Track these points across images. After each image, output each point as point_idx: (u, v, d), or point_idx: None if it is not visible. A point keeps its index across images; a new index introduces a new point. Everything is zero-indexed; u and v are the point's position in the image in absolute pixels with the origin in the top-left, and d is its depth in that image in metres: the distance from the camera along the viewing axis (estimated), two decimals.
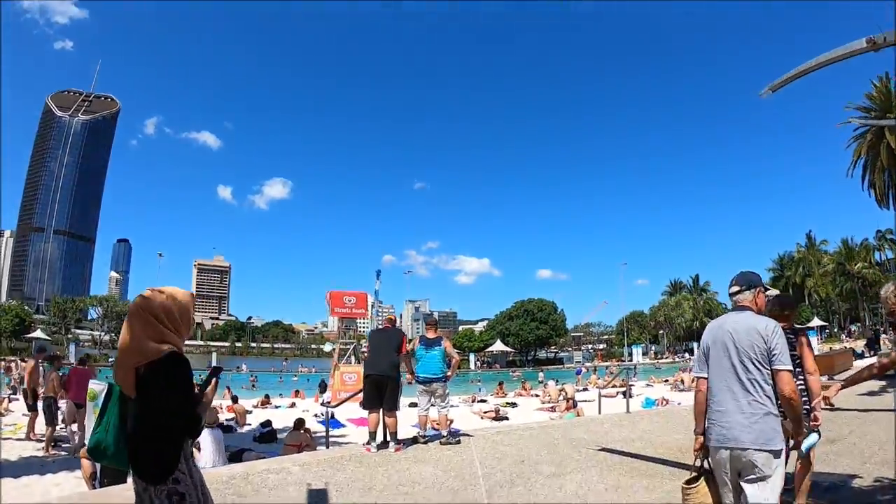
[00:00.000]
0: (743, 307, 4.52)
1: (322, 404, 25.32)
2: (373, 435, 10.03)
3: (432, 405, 10.81)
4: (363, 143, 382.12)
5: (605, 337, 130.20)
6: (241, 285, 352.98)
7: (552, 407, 25.37)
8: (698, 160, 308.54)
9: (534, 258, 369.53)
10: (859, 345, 61.15)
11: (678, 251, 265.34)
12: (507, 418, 23.37)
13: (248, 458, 12.70)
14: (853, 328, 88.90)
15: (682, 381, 31.53)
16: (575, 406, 23.66)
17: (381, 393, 10.13)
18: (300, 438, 14.07)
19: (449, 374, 10.93)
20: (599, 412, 17.81)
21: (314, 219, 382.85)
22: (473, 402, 30.63)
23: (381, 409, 10.14)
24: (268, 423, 19.34)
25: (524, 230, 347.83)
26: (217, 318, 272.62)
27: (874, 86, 42.14)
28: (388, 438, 10.14)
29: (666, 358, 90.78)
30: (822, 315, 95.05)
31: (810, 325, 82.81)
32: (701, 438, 4.43)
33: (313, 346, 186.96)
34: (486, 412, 24.41)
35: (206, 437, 11.21)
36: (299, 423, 15.27)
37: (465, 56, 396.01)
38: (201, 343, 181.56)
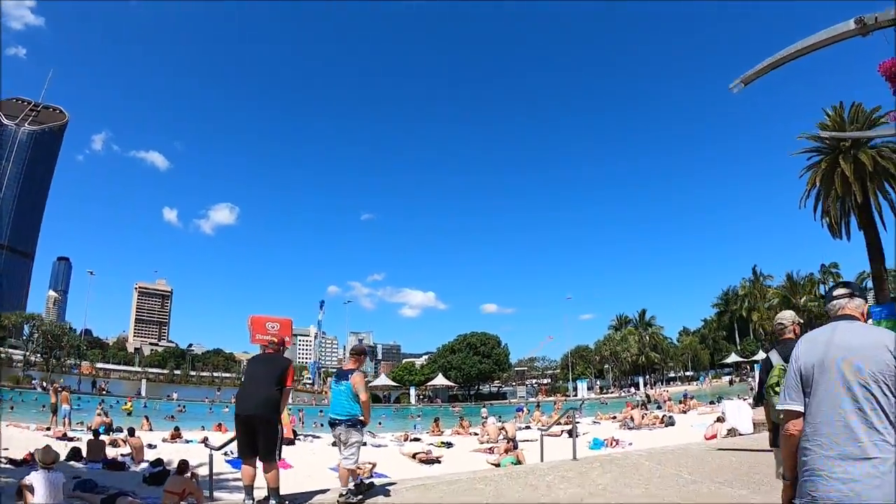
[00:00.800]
0: (850, 317, 3.52)
1: (203, 443, 22.55)
2: (248, 490, 8.05)
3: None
4: (312, 171, 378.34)
5: (550, 372, 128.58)
6: (183, 311, 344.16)
7: (490, 448, 22.91)
8: (644, 195, 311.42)
9: (480, 292, 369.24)
10: None
11: (624, 286, 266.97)
12: (438, 461, 20.96)
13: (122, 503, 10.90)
14: None
15: (632, 419, 29.33)
16: (515, 448, 21.35)
17: (253, 438, 8.06)
18: (183, 485, 11.58)
19: (362, 417, 8.87)
20: (542, 458, 15.58)
21: (260, 246, 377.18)
22: (406, 440, 28.16)
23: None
24: (159, 462, 16.65)
25: (470, 264, 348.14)
26: (156, 344, 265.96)
27: (827, 115, 41.71)
28: (269, 495, 8.03)
29: (612, 393, 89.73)
30: (767, 349, 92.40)
31: (755, 358, 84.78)
32: (790, 490, 3.50)
33: None
34: (416, 454, 21.82)
35: (38, 479, 9.00)
36: (183, 465, 12.65)
37: (416, 86, 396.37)
38: (139, 369, 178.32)
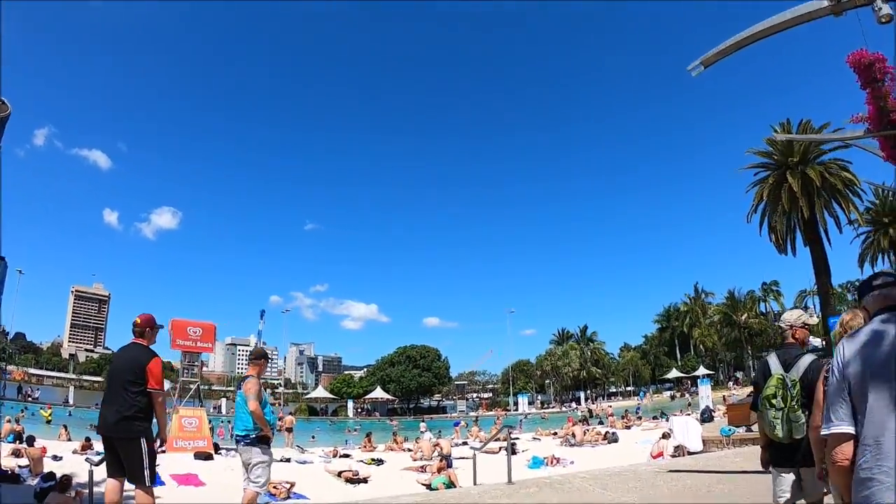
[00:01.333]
0: None
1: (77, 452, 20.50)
2: None
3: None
4: (257, 179, 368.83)
5: (491, 386, 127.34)
6: (121, 317, 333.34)
7: (423, 466, 21.17)
8: (587, 211, 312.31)
9: (422, 305, 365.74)
10: (746, 391, 61.22)
11: (566, 302, 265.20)
12: (365, 481, 19.06)
13: None
14: (738, 376, 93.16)
15: (574, 435, 27.80)
16: (449, 466, 19.68)
17: (117, 456, 6.73)
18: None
19: (261, 432, 7.84)
20: (475, 480, 13.97)
21: (201, 253, 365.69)
22: (335, 455, 26.10)
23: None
24: (50, 477, 14.57)
25: (414, 277, 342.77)
26: (92, 351, 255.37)
27: (774, 131, 41.67)
28: None
29: (553, 407, 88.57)
30: (708, 364, 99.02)
31: (696, 373, 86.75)
32: None
33: (192, 385, 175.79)
34: (342, 472, 19.95)
35: None
36: (65, 482, 10.84)
37: (363, 96, 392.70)
38: (73, 376, 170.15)
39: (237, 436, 7.97)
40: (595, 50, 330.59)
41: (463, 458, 22.34)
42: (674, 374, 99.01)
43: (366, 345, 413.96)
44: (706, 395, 40.20)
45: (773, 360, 5.38)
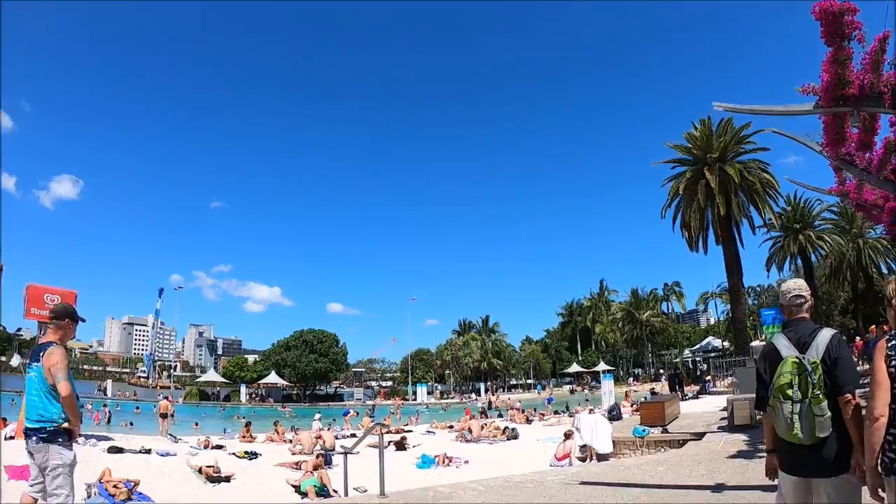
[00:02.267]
0: None
1: None
2: None
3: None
4: (163, 153, 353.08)
5: (390, 374, 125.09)
6: (14, 291, 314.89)
7: (298, 463, 18.54)
8: (499, 202, 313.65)
9: (326, 291, 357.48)
10: (646, 388, 61.55)
11: (471, 293, 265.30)
12: (227, 479, 16.38)
13: None
14: (637, 372, 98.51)
15: (470, 430, 25.50)
16: (328, 464, 17.24)
17: None
18: None
19: (64, 423, 5.71)
20: (346, 490, 11.58)
21: (102, 226, 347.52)
22: (206, 446, 23.19)
23: None
24: None
25: (319, 261, 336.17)
26: None
27: (694, 127, 41.94)
28: None
29: (453, 398, 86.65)
30: (609, 360, 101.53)
31: (597, 369, 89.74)
32: None
33: (86, 366, 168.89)
34: (204, 468, 17.17)
35: None
36: None
37: (276, 76, 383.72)
38: None
39: (28, 428, 5.72)
40: (503, 39, 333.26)
41: (349, 453, 19.99)
42: (574, 368, 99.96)
43: (268, 328, 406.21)
44: (609, 390, 38.95)
45: (782, 341, 4.22)
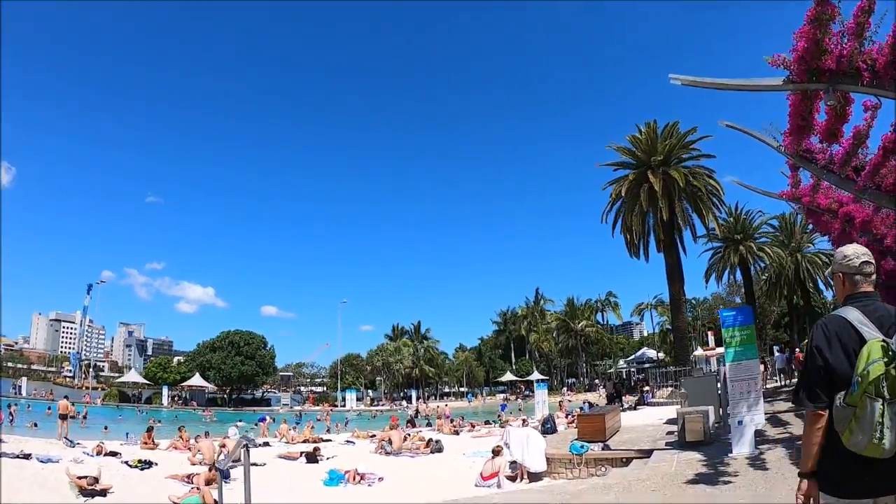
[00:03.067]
0: None
1: None
2: None
3: None
4: (98, 143, 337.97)
5: (319, 380, 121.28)
6: None
7: (189, 476, 16.21)
8: (428, 205, 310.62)
9: (261, 293, 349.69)
10: (581, 398, 60.46)
11: (407, 300, 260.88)
12: (104, 493, 14.31)
13: None
14: (571, 382, 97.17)
15: (390, 441, 23.24)
16: (225, 478, 14.79)
17: None
18: None
19: None
20: None
21: (33, 217, 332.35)
22: (100, 453, 20.77)
23: None
24: None
25: (254, 261, 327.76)
26: None
27: (639, 129, 40.83)
28: None
29: (383, 405, 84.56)
30: (543, 369, 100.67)
31: (531, 378, 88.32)
32: None
33: (10, 363, 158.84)
34: (79, 479, 14.79)
35: None
36: None
37: (214, 71, 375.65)
38: None
39: None
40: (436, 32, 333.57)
41: (254, 465, 17.84)
42: (508, 377, 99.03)
43: (199, 330, 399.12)
44: (543, 399, 37.20)
45: (857, 316, 3.03)
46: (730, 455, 12.19)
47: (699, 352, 29.85)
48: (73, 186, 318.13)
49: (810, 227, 32.00)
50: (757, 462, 11.24)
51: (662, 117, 40.33)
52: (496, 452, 15.52)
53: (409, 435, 26.71)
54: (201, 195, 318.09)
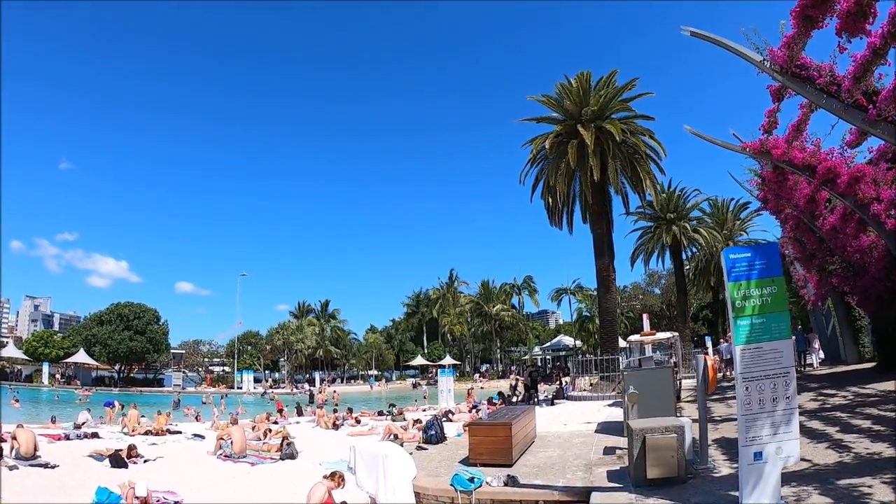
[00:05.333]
0: None
1: None
2: None
3: None
4: (7, 105, 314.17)
5: (218, 359, 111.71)
6: None
7: None
8: (336, 183, 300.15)
9: (177, 268, 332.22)
10: (494, 386, 56.27)
11: (319, 278, 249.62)
12: None
13: None
14: (484, 368, 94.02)
15: (231, 441, 17.34)
16: None
17: None
18: None
19: None
20: None
21: None
22: None
23: None
24: None
25: (170, 234, 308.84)
26: None
27: (567, 79, 34.60)
28: None
29: (284, 388, 77.94)
30: (455, 354, 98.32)
31: (443, 362, 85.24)
32: None
33: None
34: None
35: None
36: None
37: (139, 34, 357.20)
38: None
39: None
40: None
41: (46, 465, 13.02)
42: (419, 361, 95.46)
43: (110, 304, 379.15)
44: (448, 388, 32.28)
45: None
46: None
47: (635, 336, 24.59)
48: None
49: (754, 205, 27.07)
50: None
51: (597, 70, 34.38)
52: (337, 482, 9.52)
53: (270, 430, 21.11)
54: (119, 163, 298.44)
